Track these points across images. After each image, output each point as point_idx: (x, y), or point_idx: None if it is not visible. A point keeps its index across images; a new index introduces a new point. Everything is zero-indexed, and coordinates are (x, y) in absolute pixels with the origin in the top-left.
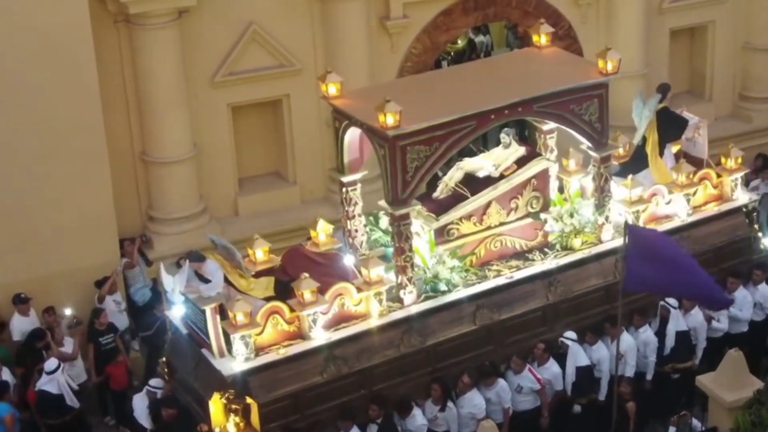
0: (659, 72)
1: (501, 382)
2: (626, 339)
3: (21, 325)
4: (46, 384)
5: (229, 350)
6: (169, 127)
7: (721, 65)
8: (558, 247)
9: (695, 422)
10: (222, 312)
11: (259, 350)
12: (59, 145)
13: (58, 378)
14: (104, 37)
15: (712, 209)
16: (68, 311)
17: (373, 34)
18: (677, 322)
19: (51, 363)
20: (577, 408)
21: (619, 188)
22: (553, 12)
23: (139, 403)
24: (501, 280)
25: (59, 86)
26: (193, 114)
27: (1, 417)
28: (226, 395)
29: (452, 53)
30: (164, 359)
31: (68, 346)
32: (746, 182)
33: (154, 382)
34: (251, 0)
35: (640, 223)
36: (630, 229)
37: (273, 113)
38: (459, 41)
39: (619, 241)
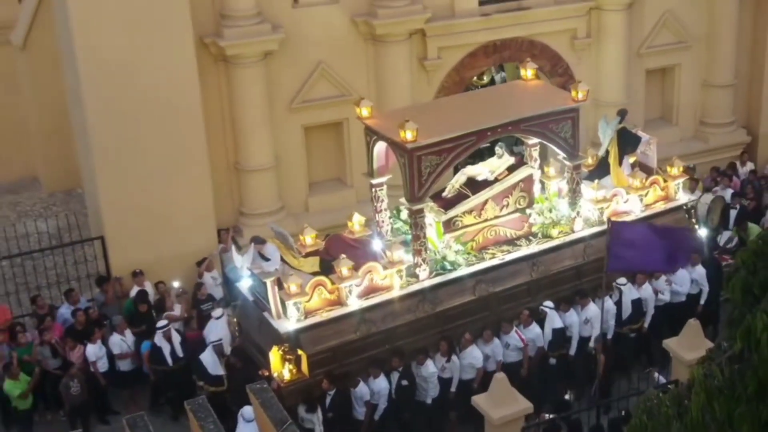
0: (637, 102)
1: (495, 340)
2: (592, 308)
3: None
4: (157, 338)
5: (285, 313)
6: (255, 143)
7: (686, 98)
8: (540, 235)
9: (661, 378)
10: (279, 284)
11: (307, 314)
12: (172, 157)
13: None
14: (207, 73)
15: (660, 207)
16: (176, 284)
17: (413, 71)
18: (630, 294)
19: (161, 321)
20: (552, 360)
21: (588, 190)
22: (554, 55)
23: (208, 358)
24: (495, 261)
25: (173, 112)
26: (274, 132)
27: (143, 351)
28: (282, 348)
29: (479, 87)
30: (235, 320)
31: (177, 310)
32: (704, 188)
33: (215, 338)
34: (320, 44)
35: (604, 218)
36: (612, 224)
37: (336, 132)
38: (485, 77)
39: (587, 231)
